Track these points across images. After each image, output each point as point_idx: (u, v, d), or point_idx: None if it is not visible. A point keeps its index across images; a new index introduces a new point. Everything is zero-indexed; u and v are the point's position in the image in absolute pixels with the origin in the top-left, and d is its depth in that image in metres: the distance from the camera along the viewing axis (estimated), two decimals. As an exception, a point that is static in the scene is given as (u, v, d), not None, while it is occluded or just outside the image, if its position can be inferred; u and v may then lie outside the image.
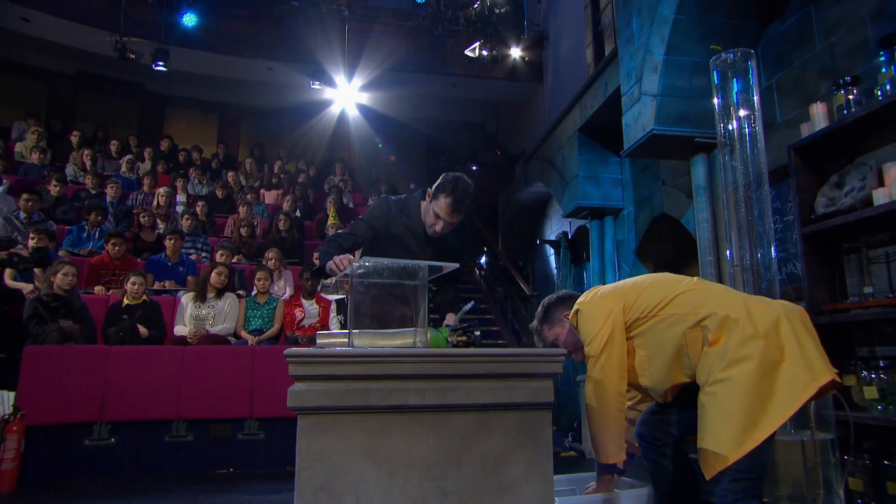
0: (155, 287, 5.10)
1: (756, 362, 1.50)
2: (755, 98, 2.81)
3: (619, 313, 1.75)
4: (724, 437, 1.48)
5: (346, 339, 1.50)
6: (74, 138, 7.92)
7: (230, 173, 8.42)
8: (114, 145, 8.33)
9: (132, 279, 4.44)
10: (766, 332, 1.54)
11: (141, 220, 5.88)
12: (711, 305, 1.64)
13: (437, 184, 2.19)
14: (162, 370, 4.00)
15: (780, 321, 1.56)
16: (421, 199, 2.28)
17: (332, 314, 5.03)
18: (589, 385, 1.72)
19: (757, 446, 1.45)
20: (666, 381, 1.72)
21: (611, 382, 1.68)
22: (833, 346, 2.80)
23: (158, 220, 6.29)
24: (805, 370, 1.49)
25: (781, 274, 3.29)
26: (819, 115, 2.90)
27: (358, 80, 9.39)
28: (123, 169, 7.60)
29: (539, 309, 2.05)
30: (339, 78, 9.27)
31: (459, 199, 2.13)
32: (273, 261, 5.48)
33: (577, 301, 1.87)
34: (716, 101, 2.91)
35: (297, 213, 7.42)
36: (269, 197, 8.18)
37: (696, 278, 1.82)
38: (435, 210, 2.17)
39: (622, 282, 1.88)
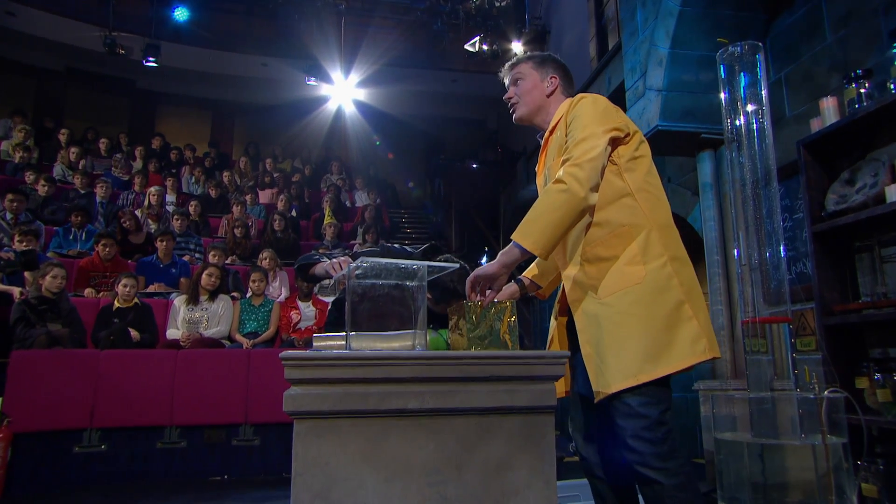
0: (148, 290, 5.00)
1: (668, 308, 1.48)
2: (763, 92, 2.73)
3: (620, 134, 1.59)
4: (620, 366, 1.46)
5: (344, 342, 1.46)
6: (63, 136, 7.80)
7: (225, 172, 8.30)
8: (103, 144, 8.21)
9: (123, 281, 4.34)
10: (688, 286, 1.52)
11: (123, 223, 5.69)
12: (658, 231, 1.55)
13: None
14: (154, 375, 3.92)
15: (697, 286, 1.56)
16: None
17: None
18: (561, 185, 1.46)
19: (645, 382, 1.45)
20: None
21: (585, 193, 1.45)
22: (845, 347, 2.74)
23: (150, 221, 6.18)
24: (707, 338, 1.49)
25: (791, 273, 3.22)
26: (829, 109, 2.84)
27: (355, 76, 9.30)
28: (114, 168, 7.48)
29: (538, 51, 1.84)
30: (336, 74, 9.18)
31: (438, 296, 1.99)
32: (268, 261, 5.39)
33: (584, 95, 1.64)
34: (722, 95, 2.82)
35: (293, 213, 7.33)
36: (264, 196, 8.08)
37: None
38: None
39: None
